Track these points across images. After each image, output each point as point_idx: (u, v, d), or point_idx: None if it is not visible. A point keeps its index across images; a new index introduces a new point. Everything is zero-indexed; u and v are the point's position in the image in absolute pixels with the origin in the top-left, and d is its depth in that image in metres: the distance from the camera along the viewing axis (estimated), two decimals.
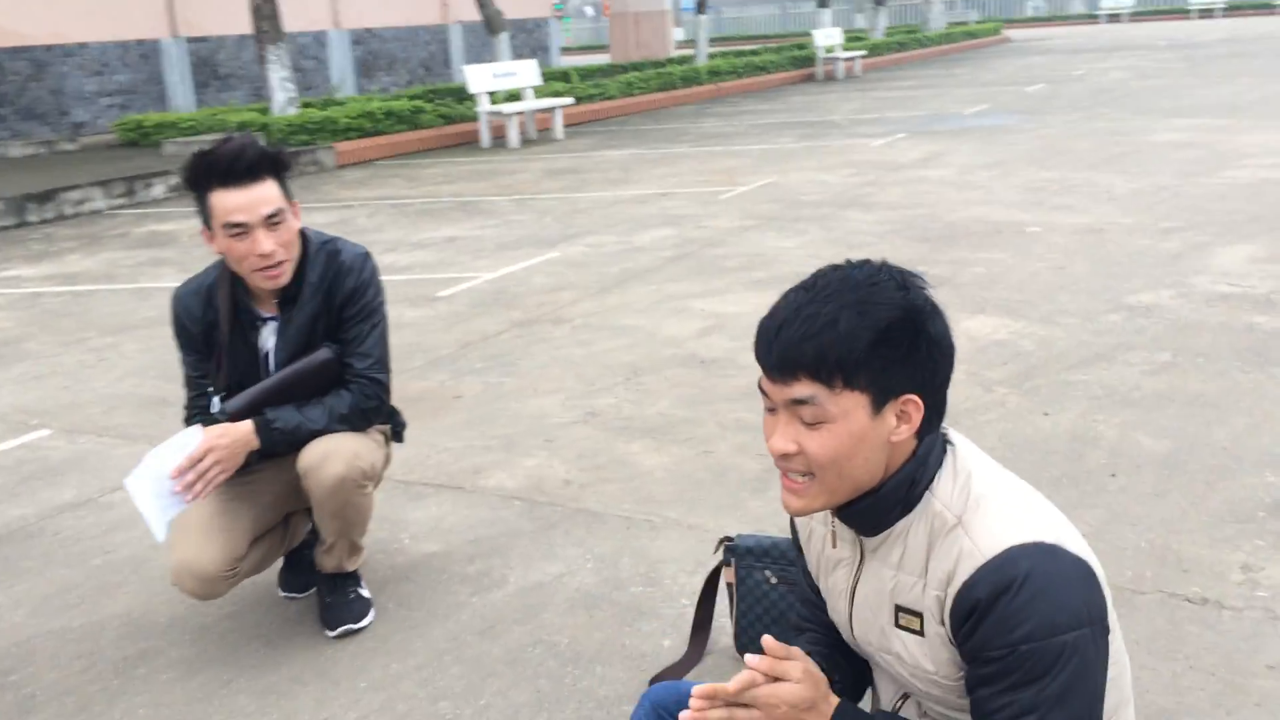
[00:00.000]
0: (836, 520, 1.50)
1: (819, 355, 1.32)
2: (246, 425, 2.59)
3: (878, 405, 1.34)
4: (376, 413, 2.77)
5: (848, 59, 22.20)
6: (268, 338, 2.71)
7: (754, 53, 24.07)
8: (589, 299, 5.96)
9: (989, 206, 7.71)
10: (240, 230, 2.52)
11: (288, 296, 2.67)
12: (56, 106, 15.47)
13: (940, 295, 1.44)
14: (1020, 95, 15.92)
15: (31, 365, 5.38)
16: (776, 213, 8.02)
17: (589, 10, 58.76)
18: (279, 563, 3.01)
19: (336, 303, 2.69)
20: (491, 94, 13.71)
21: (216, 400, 2.70)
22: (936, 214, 7.59)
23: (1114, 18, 42.42)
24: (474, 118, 13.89)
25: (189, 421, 2.72)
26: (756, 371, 1.40)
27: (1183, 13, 42.55)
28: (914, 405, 1.36)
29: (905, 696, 1.54)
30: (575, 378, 4.67)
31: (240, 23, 16.56)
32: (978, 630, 1.31)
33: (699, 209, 8.39)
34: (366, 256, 2.76)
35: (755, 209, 8.25)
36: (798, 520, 1.66)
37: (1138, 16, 42.35)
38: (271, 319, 2.70)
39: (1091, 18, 44.13)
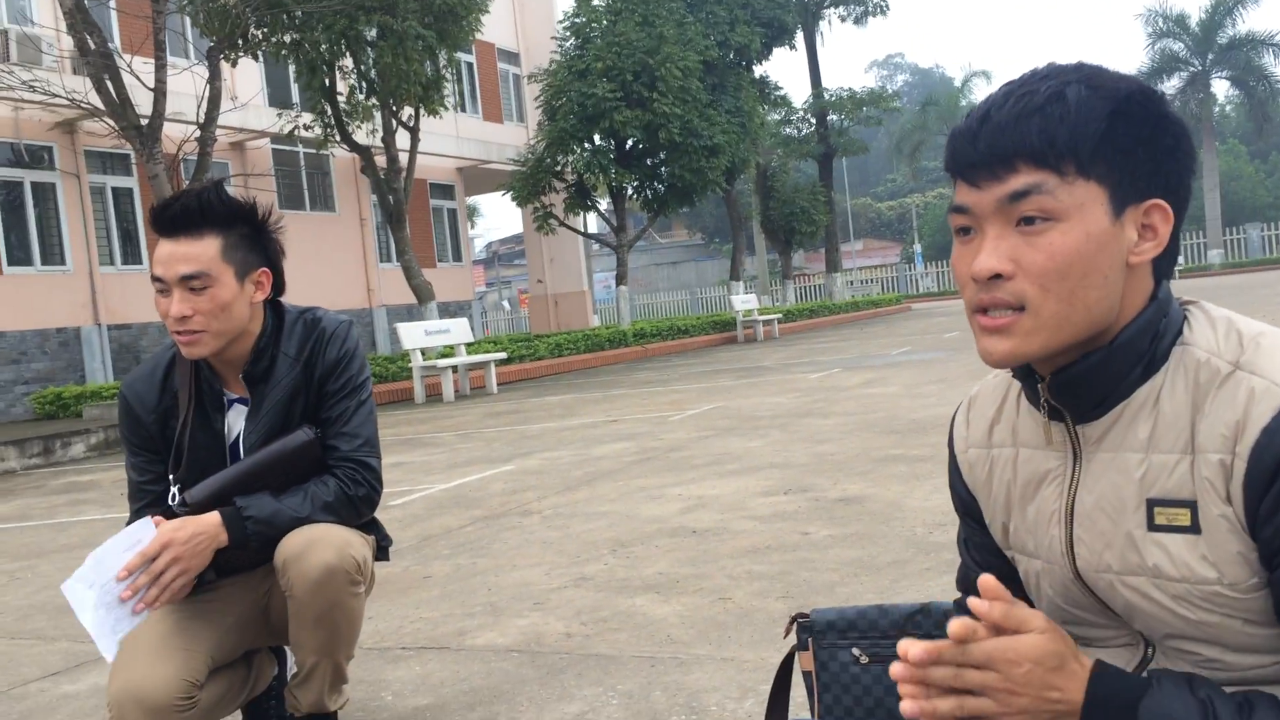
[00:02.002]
0: (1046, 404, 1.17)
1: (1045, 133, 1.04)
2: (213, 516, 2.17)
3: (1117, 207, 1.05)
4: (366, 502, 2.36)
5: (766, 322, 23.00)
6: (235, 421, 2.33)
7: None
8: (555, 495, 5.60)
9: (949, 407, 7.66)
10: (160, 287, 2.18)
11: (257, 374, 2.31)
12: None
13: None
14: (939, 340, 16.49)
15: None
16: (733, 425, 7.86)
17: (505, 305, 60.90)
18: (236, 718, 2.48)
19: (318, 376, 2.33)
20: (424, 351, 13.70)
21: (175, 490, 2.28)
22: (897, 415, 7.51)
23: None
24: (407, 376, 13.79)
25: (136, 517, 2.28)
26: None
27: None
28: (1161, 214, 1.07)
29: (1144, 662, 1.16)
30: (556, 553, 4.26)
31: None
32: None
33: (652, 428, 8.20)
34: (350, 325, 2.44)
35: (711, 424, 8.09)
36: (963, 457, 1.33)
37: None
38: (240, 400, 2.34)
39: None
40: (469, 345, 14.55)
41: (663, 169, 22.11)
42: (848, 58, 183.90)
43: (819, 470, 5.53)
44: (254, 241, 2.26)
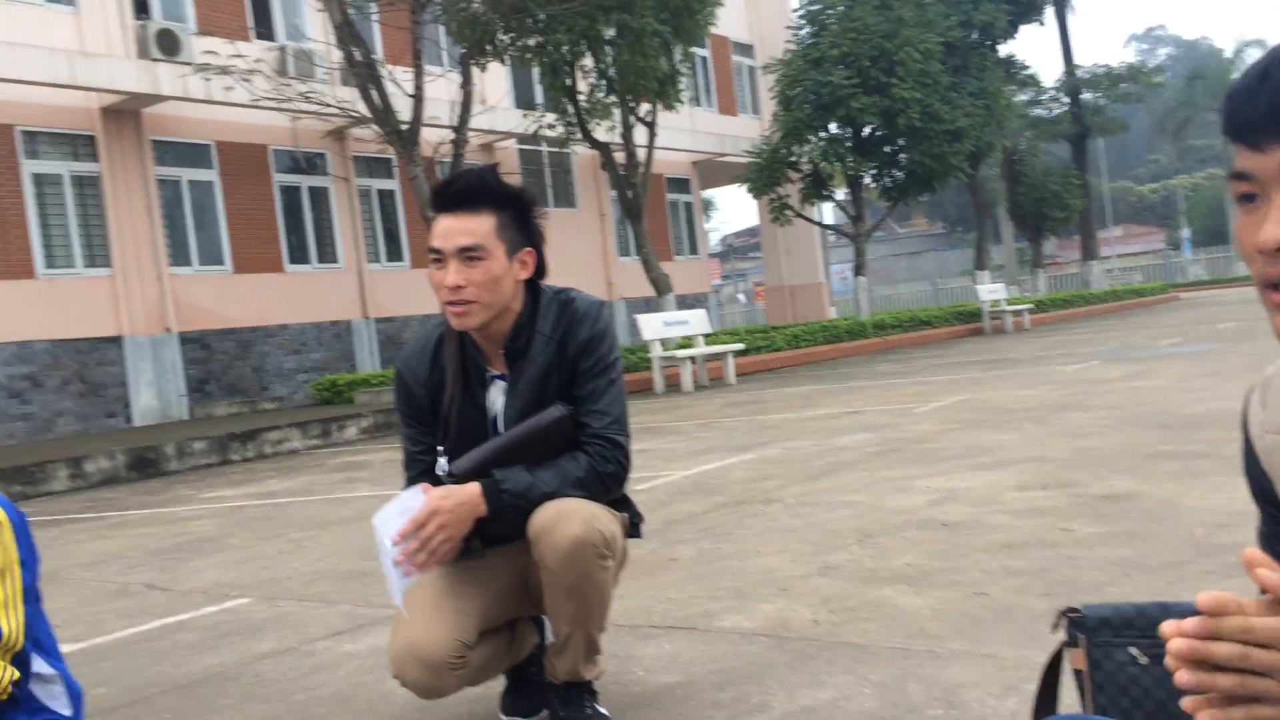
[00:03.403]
0: None
1: None
2: (473, 487, 2.28)
3: None
4: (615, 479, 2.42)
5: (1015, 313, 21.96)
6: (496, 397, 2.44)
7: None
8: (796, 484, 5.56)
9: (1227, 402, 7.05)
10: (437, 258, 2.32)
11: (516, 351, 2.41)
12: (258, 382, 16.50)
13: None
14: (1213, 331, 15.23)
15: (232, 554, 5.28)
16: (982, 418, 7.55)
17: (741, 298, 60.98)
18: (500, 684, 2.60)
19: (570, 355, 2.41)
20: (663, 341, 13.94)
21: (443, 461, 2.42)
22: (1167, 409, 6.99)
23: None
24: (646, 366, 14.07)
25: (410, 485, 2.43)
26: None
27: None
28: None
29: None
30: (799, 541, 4.22)
31: (417, 306, 17.78)
32: None
33: (896, 420, 8.00)
34: (601, 305, 2.50)
35: (957, 416, 7.80)
36: (1260, 443, 1.21)
37: None
38: (500, 377, 2.45)
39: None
40: (707, 336, 14.69)
41: (902, 156, 21.52)
42: (1103, 33, 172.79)
43: (1080, 465, 5.23)
44: (522, 223, 2.37)
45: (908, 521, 4.37)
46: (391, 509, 2.27)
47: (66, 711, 2.08)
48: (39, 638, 1.99)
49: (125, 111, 14.78)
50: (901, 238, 64.12)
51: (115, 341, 14.78)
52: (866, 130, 21.10)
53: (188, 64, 14.26)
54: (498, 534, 2.41)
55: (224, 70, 13.22)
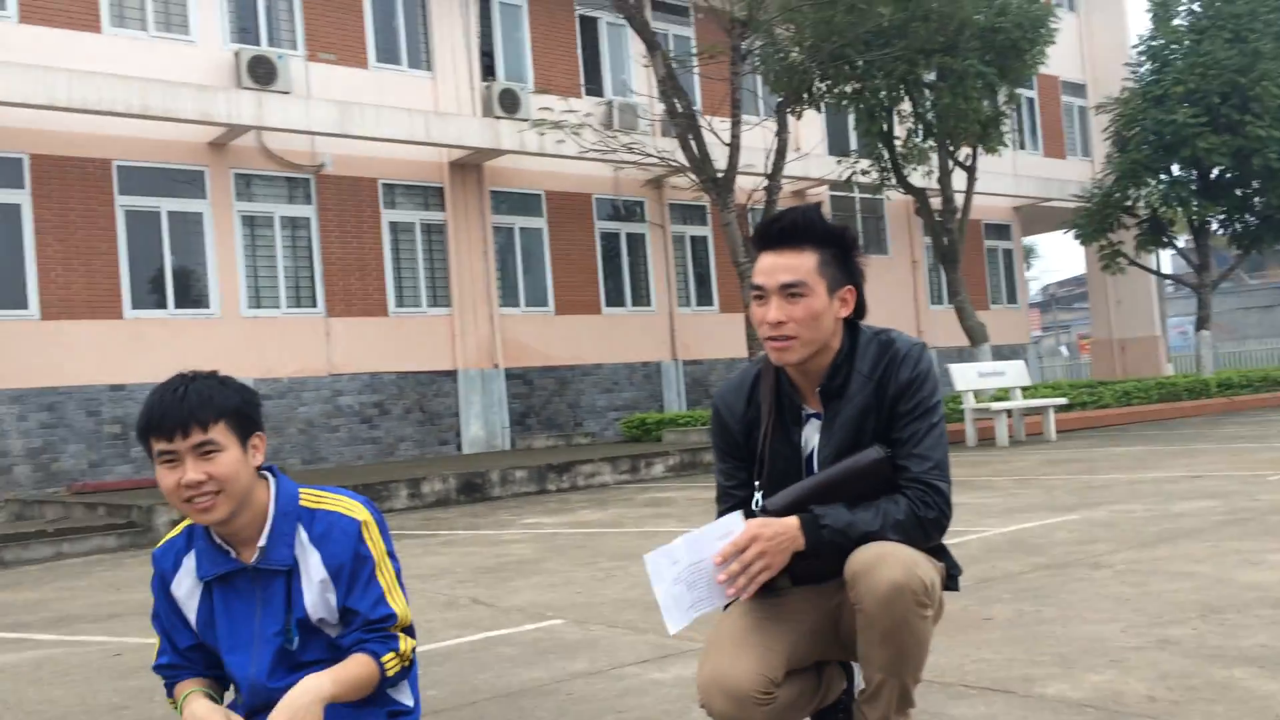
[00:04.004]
0: None
1: None
2: (792, 520, 2.28)
3: None
4: (936, 526, 2.34)
5: None
6: (811, 435, 2.43)
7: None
8: (1128, 550, 5.13)
9: None
10: (759, 294, 2.35)
11: (833, 390, 2.39)
12: (573, 418, 17.39)
13: None
14: None
15: (548, 577, 5.57)
16: None
17: (1063, 350, 57.43)
18: None
19: (889, 396, 2.36)
20: (977, 393, 13.37)
21: (758, 495, 2.43)
22: None
23: None
24: (958, 418, 13.54)
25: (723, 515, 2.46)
26: None
27: None
28: None
29: None
30: (1132, 611, 3.89)
31: (725, 350, 18.10)
32: None
33: (1245, 487, 7.22)
34: (923, 347, 2.44)
35: None
36: None
37: None
38: (815, 415, 2.43)
39: None
40: (1025, 389, 13.95)
41: (1256, 199, 19.56)
42: None
43: None
44: (843, 261, 2.37)
45: (1261, 599, 3.92)
46: (709, 531, 2.31)
47: (409, 702, 2.27)
48: (411, 624, 2.21)
49: (469, 165, 16.17)
50: (1253, 289, 58.06)
51: (451, 375, 16.09)
52: (1215, 172, 19.37)
53: (525, 120, 15.40)
54: (807, 573, 2.39)
55: (557, 125, 14.16)
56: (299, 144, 14.67)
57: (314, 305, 14.98)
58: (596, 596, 4.94)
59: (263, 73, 14.02)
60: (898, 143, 16.20)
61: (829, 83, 14.94)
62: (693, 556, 2.27)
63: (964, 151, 16.44)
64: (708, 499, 9.04)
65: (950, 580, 2.49)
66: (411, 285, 15.95)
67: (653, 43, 13.72)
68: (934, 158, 16.24)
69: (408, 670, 2.20)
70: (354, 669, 2.10)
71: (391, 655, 2.14)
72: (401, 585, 2.23)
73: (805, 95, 14.76)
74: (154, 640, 2.26)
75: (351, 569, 2.14)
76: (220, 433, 2.06)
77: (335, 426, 14.94)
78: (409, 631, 2.21)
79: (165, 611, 2.24)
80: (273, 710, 2.02)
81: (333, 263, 15.09)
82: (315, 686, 2.04)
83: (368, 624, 2.14)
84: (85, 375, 13.00)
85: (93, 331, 13.14)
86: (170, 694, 2.23)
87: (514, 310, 16.85)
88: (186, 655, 2.23)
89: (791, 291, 2.31)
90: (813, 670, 2.48)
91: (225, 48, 14.23)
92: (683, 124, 13.76)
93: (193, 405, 2.04)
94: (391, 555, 2.23)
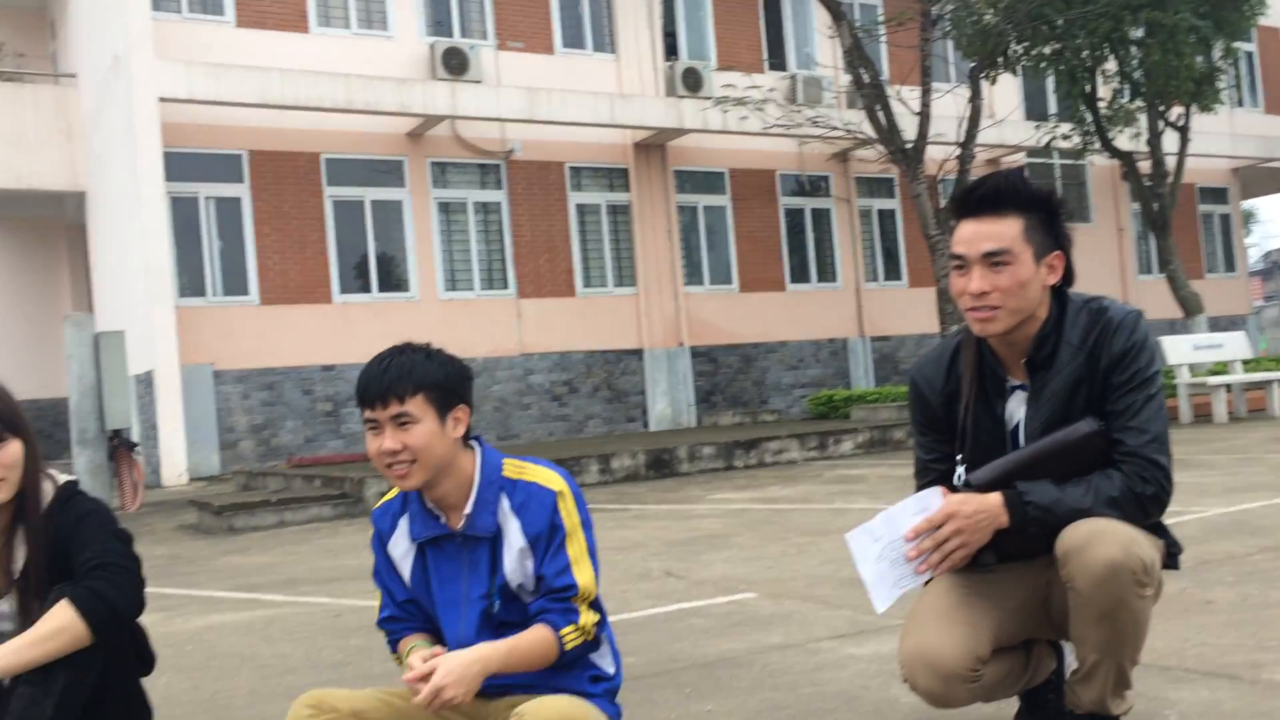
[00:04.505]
0: None
1: None
2: (994, 497, 2.21)
3: None
4: (1155, 502, 2.21)
5: None
6: (1016, 408, 2.34)
7: None
8: None
9: None
10: (959, 264, 2.26)
11: (1040, 360, 2.29)
12: (758, 395, 17.35)
13: None
14: None
15: (739, 551, 5.60)
16: None
17: None
18: (1012, 704, 2.49)
19: (1102, 367, 2.24)
20: (1192, 367, 12.55)
21: (960, 470, 2.36)
22: None
23: None
24: (1171, 393, 12.75)
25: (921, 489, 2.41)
26: None
27: None
28: None
29: None
30: None
31: (914, 325, 17.62)
32: None
33: None
34: (1139, 315, 2.30)
35: None
36: None
37: None
38: (1020, 387, 2.34)
39: None
40: (1246, 363, 13.00)
41: None
42: None
43: None
44: (1050, 227, 2.28)
45: None
46: (906, 506, 2.27)
47: (611, 669, 2.33)
48: (597, 597, 2.25)
49: (653, 145, 16.30)
50: None
51: (636, 354, 16.32)
52: None
53: (708, 98, 15.40)
54: (1014, 550, 2.31)
55: (740, 102, 14.09)
56: (490, 131, 15.15)
57: (505, 287, 15.48)
58: (788, 571, 4.93)
59: (455, 64, 14.53)
60: (1101, 105, 15.33)
61: (1025, 44, 14.25)
62: (892, 533, 2.24)
63: (1175, 111, 15.42)
64: (899, 476, 8.88)
65: (1170, 559, 2.36)
66: (598, 266, 16.24)
67: (838, 12, 13.45)
68: (1142, 119, 15.30)
69: (591, 644, 2.20)
70: (531, 642, 2.12)
71: (571, 628, 2.14)
72: (594, 560, 2.23)
73: (1000, 59, 14.13)
74: (370, 603, 2.39)
75: (546, 538, 2.20)
76: (417, 405, 2.14)
77: (527, 404, 15.41)
78: (595, 605, 2.20)
79: (384, 568, 2.37)
80: (442, 661, 2.05)
81: (523, 245, 15.54)
82: (483, 655, 2.06)
83: (550, 592, 2.16)
84: (300, 357, 13.88)
85: (305, 315, 14.00)
86: (394, 650, 2.35)
87: (698, 288, 16.91)
88: (405, 609, 2.34)
89: (995, 260, 2.23)
90: (1020, 649, 2.41)
91: (421, 41, 14.82)
92: (870, 95, 13.44)
93: (392, 378, 2.13)
94: (586, 527, 2.26)
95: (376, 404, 2.14)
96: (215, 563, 6.69)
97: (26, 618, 2.30)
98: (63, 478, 2.47)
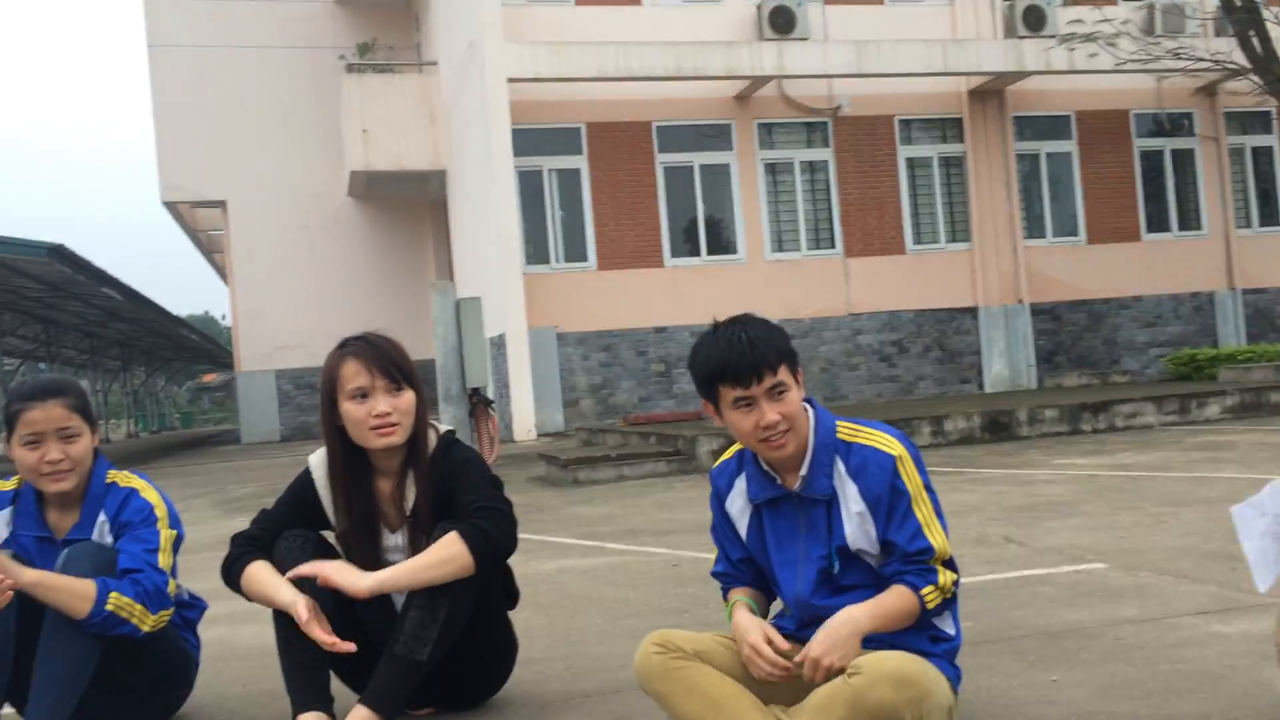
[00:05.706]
0: None
1: None
2: None
3: None
4: None
5: None
6: None
7: None
8: None
9: None
10: None
11: None
12: (1108, 355, 16.13)
13: None
14: None
15: (1085, 520, 5.27)
16: None
17: None
18: None
19: None
20: None
21: None
22: None
23: None
24: None
25: None
26: None
27: None
28: None
29: None
30: None
31: None
32: None
33: None
34: None
35: None
36: None
37: None
38: None
39: None
40: None
41: None
42: None
43: None
44: None
45: None
46: None
47: (951, 630, 2.29)
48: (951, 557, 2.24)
49: (989, 92, 15.47)
50: None
51: (971, 312, 15.65)
52: None
53: (1052, 37, 14.39)
54: None
55: (1089, 38, 13.06)
56: (817, 88, 15.00)
57: (832, 246, 15.33)
58: (1144, 542, 4.58)
59: (782, 22, 14.49)
60: None
61: None
62: (1278, 505, 2.03)
63: None
64: (1275, 444, 7.94)
65: None
66: (929, 221, 15.70)
67: None
68: None
69: (949, 602, 2.23)
70: (893, 601, 2.16)
71: (930, 588, 2.17)
72: (941, 519, 2.25)
73: None
74: (706, 556, 2.49)
75: (889, 502, 2.20)
76: (785, 373, 2.21)
77: (855, 365, 15.23)
78: (950, 565, 2.22)
79: (721, 525, 2.46)
80: (815, 634, 2.13)
81: (850, 203, 15.31)
82: (854, 619, 2.12)
83: (906, 556, 2.18)
84: (634, 319, 14.50)
85: (639, 280, 14.59)
86: (725, 597, 2.45)
87: (1040, 242, 15.95)
88: (737, 566, 2.43)
89: None
90: None
91: (749, 2, 14.89)
92: (1242, 19, 12.02)
93: (761, 352, 2.18)
94: (929, 489, 2.25)
95: (751, 380, 2.17)
96: (563, 512, 7.17)
97: (415, 550, 2.60)
98: (443, 427, 2.75)
